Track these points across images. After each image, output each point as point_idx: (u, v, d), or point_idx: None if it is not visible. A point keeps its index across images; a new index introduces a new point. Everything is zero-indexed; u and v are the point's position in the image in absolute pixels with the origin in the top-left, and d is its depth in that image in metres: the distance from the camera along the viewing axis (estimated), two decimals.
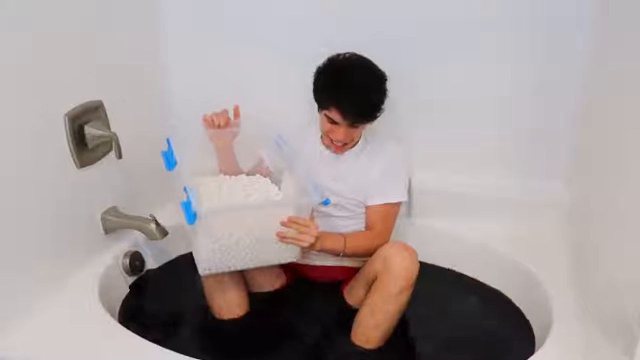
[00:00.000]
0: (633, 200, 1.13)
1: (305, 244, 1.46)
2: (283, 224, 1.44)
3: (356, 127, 1.60)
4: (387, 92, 1.60)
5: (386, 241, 1.64)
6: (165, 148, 1.56)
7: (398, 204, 1.71)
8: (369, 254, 1.60)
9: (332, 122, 1.58)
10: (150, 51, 1.97)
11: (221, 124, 1.62)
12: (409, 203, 1.95)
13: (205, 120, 1.63)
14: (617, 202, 1.28)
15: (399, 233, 1.79)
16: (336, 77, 1.56)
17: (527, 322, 1.64)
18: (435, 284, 1.84)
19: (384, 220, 1.68)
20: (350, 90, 1.53)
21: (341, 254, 1.59)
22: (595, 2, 1.63)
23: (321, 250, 1.55)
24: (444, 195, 1.94)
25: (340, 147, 1.66)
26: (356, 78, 1.54)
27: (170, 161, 1.52)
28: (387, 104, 1.86)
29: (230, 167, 1.73)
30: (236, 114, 1.68)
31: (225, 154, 1.72)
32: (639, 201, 1.09)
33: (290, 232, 1.45)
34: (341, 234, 1.61)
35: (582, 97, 1.73)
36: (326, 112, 1.58)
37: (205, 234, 1.42)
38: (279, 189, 1.62)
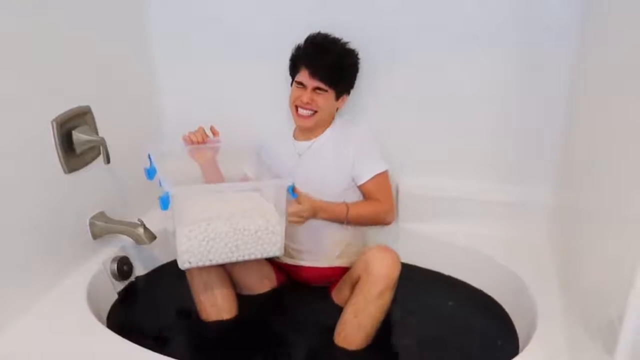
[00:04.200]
0: (615, 204, 1.16)
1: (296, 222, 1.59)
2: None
3: (321, 89, 1.67)
4: (355, 73, 1.77)
5: (391, 206, 1.78)
6: (147, 164, 1.58)
7: (384, 173, 1.77)
8: (377, 219, 1.75)
9: (300, 85, 1.69)
10: (138, 56, 1.97)
11: (199, 141, 1.66)
12: (396, 207, 1.97)
13: (183, 138, 1.67)
14: (600, 206, 1.30)
15: (386, 238, 1.82)
16: (308, 44, 1.73)
17: (511, 323, 1.66)
18: (422, 286, 1.86)
19: (380, 190, 1.76)
20: (317, 51, 1.69)
21: (345, 222, 1.71)
22: (579, 9, 1.67)
23: (324, 219, 1.67)
24: (431, 199, 1.97)
25: (308, 116, 1.70)
26: (325, 44, 1.71)
27: (151, 173, 1.53)
28: (377, 109, 1.88)
29: (216, 183, 1.74)
30: (213, 131, 1.71)
31: (209, 170, 1.74)
32: (621, 205, 1.11)
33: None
34: (344, 203, 1.71)
35: (568, 103, 1.76)
36: (296, 77, 1.71)
37: (181, 220, 1.43)
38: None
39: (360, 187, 1.77)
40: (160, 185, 1.44)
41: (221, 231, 1.46)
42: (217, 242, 1.47)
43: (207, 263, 1.50)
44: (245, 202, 1.54)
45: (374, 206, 1.75)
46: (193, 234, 1.44)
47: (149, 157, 1.57)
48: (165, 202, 1.37)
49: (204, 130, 1.68)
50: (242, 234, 1.49)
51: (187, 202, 1.50)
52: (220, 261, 1.51)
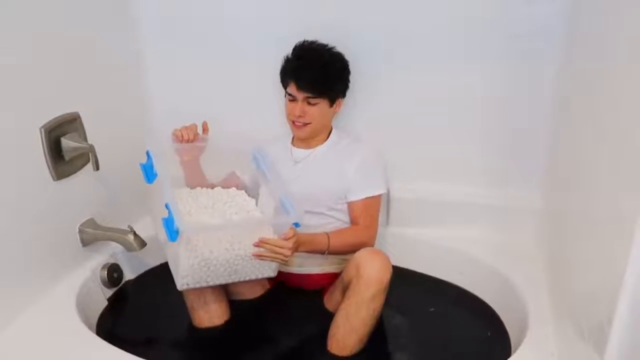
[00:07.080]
0: (604, 206, 1.17)
1: (281, 261, 1.50)
2: (256, 244, 1.46)
3: (311, 102, 1.68)
4: (346, 76, 1.77)
5: (373, 233, 1.73)
6: (144, 160, 1.55)
7: (378, 196, 1.75)
8: (358, 247, 1.61)
9: (291, 98, 1.71)
10: (127, 63, 1.96)
11: (190, 138, 1.63)
12: (387, 212, 1.98)
13: (174, 134, 1.64)
14: (588, 209, 1.31)
15: (376, 241, 1.82)
16: (293, 56, 1.73)
17: (503, 326, 1.66)
18: (413, 290, 1.86)
19: (366, 213, 1.73)
20: (304, 64, 1.69)
21: (326, 253, 1.63)
22: (565, 14, 1.68)
23: (306, 252, 1.60)
24: (422, 203, 1.97)
25: (301, 126, 1.72)
26: (311, 55, 1.71)
27: (149, 174, 1.51)
28: (366, 114, 1.89)
29: (195, 181, 1.73)
30: (204, 129, 1.69)
31: (191, 168, 1.72)
32: (610, 207, 1.12)
33: (265, 251, 1.47)
34: (325, 233, 1.64)
35: (555, 106, 1.77)
36: (287, 90, 1.72)
37: (186, 249, 1.42)
38: (256, 203, 1.65)
39: (348, 203, 1.75)
40: (167, 207, 1.38)
41: (223, 258, 1.46)
42: (217, 268, 1.47)
43: (205, 285, 1.50)
44: (247, 225, 1.53)
45: (355, 233, 1.70)
46: (196, 261, 1.43)
47: (148, 154, 1.54)
48: (173, 236, 1.34)
49: (196, 127, 1.65)
50: (243, 259, 1.49)
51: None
52: (218, 283, 1.51)
